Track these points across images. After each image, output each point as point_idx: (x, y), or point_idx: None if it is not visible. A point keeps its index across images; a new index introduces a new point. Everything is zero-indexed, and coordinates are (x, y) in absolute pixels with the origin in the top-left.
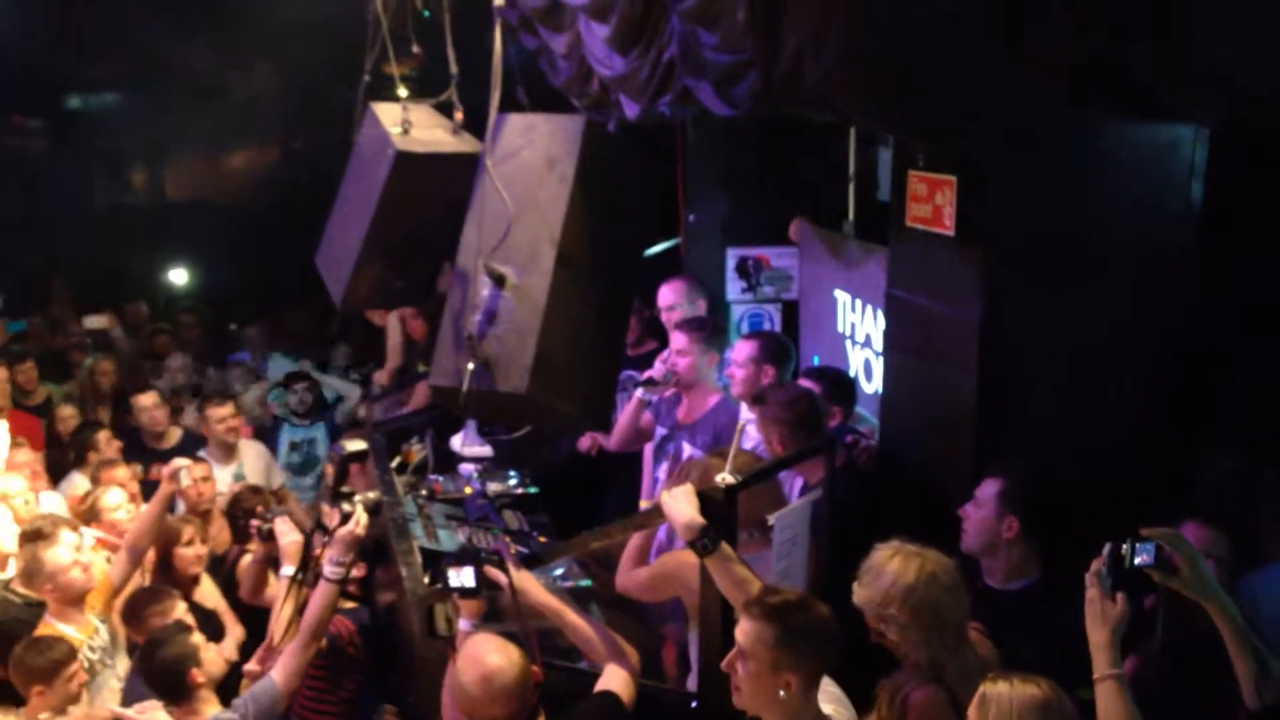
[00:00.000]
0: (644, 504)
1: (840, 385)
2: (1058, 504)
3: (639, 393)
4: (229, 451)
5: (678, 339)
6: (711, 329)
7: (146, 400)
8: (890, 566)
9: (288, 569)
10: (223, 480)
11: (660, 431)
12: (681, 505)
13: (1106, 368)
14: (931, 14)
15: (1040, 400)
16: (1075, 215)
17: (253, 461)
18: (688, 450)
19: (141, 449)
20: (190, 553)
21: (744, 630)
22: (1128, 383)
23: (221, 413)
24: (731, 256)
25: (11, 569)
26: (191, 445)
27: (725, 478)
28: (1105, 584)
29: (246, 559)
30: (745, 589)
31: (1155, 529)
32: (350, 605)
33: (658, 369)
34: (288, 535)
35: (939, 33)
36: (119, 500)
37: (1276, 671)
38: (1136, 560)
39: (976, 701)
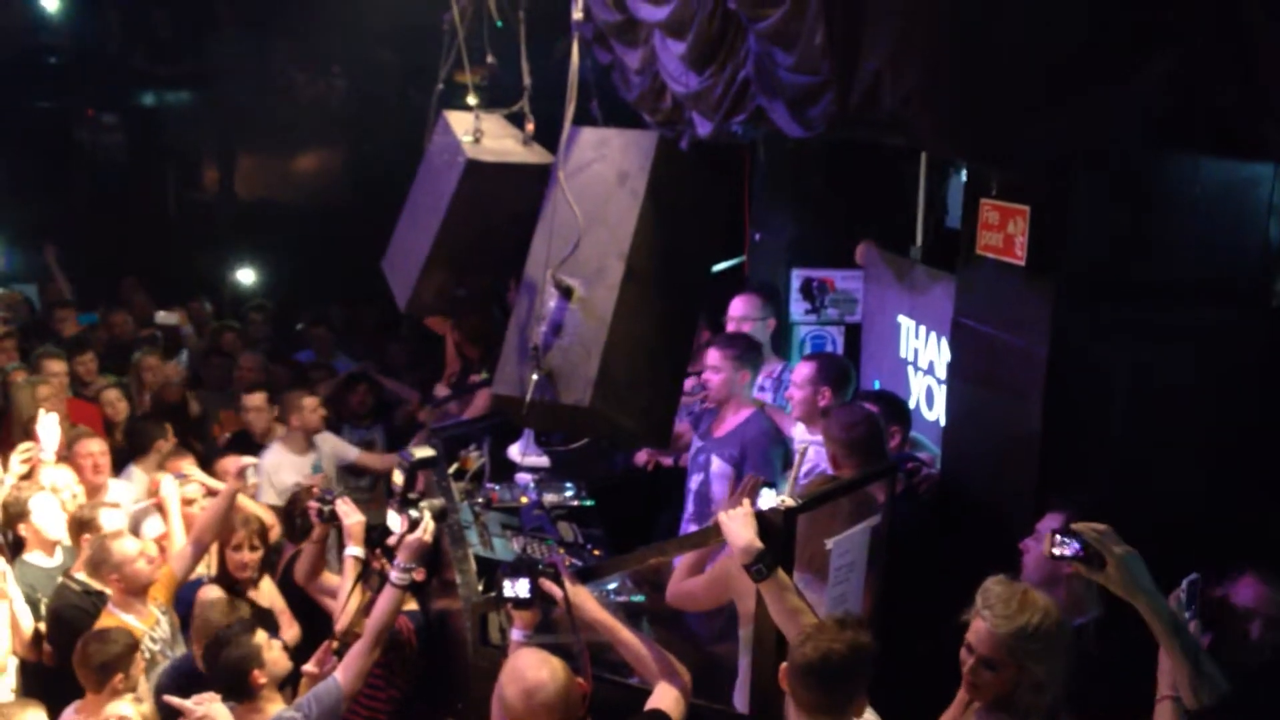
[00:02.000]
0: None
1: (897, 407)
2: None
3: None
4: (308, 442)
5: (711, 355)
6: (745, 347)
7: (256, 400)
8: (1022, 609)
9: (352, 549)
10: (300, 470)
11: (696, 443)
12: (739, 527)
13: (1175, 407)
14: (1015, 44)
15: (1106, 436)
16: (1149, 251)
17: (329, 455)
18: (716, 464)
19: (251, 448)
20: (238, 557)
21: None
22: (1197, 425)
23: (311, 402)
24: (796, 278)
25: (59, 557)
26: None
27: (785, 500)
28: (1183, 613)
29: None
30: (796, 619)
31: (1084, 524)
32: (410, 607)
33: (689, 382)
34: (351, 515)
35: (1022, 63)
36: (194, 492)
37: (1211, 671)
38: (1057, 551)
39: None
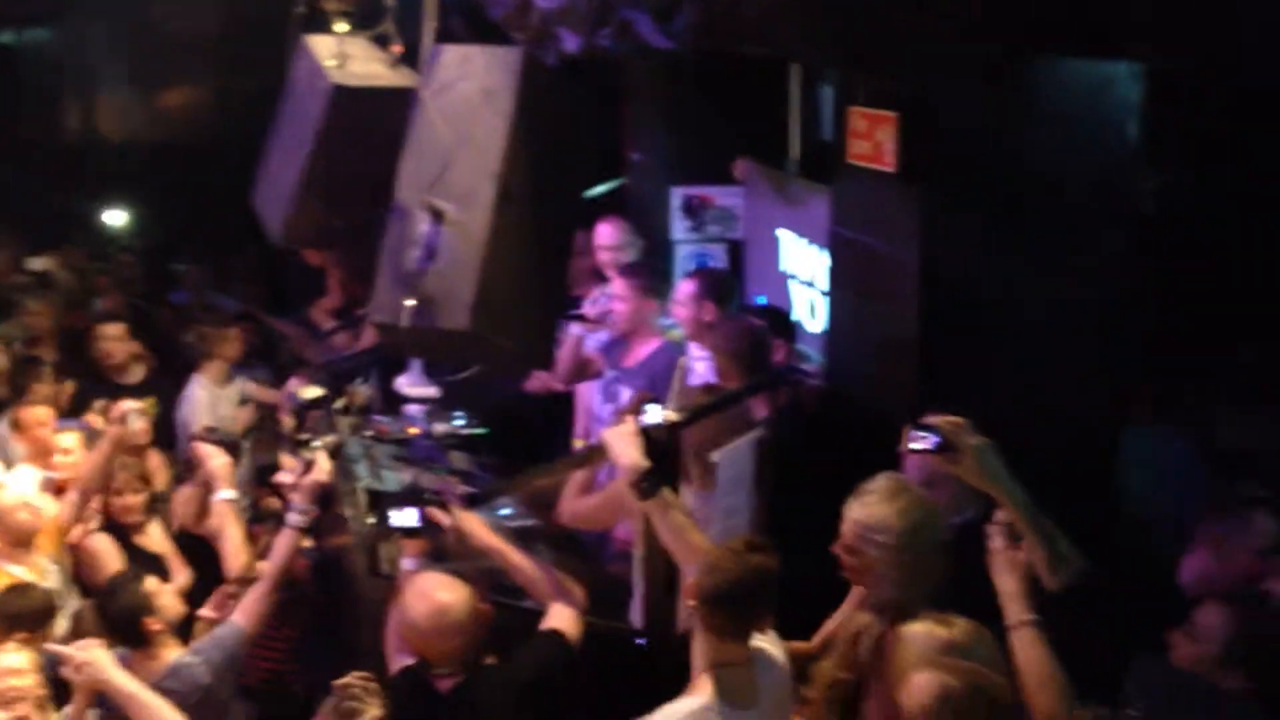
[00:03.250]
0: (578, 443)
1: (781, 320)
2: (1000, 443)
3: (573, 328)
4: (230, 374)
5: (616, 285)
6: (650, 275)
7: (115, 330)
8: (889, 502)
9: (225, 492)
10: (231, 401)
11: (609, 374)
12: (624, 445)
13: (1047, 305)
14: None
15: (984, 338)
16: (1015, 152)
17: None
18: (625, 394)
19: (106, 385)
20: (120, 502)
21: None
22: (1068, 320)
23: (233, 332)
24: (676, 196)
25: None
26: (155, 382)
27: (667, 415)
28: (1009, 532)
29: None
30: (682, 536)
31: (939, 417)
32: (303, 544)
33: (589, 308)
34: (214, 457)
35: None
36: (71, 443)
37: (1067, 551)
38: (915, 445)
39: (896, 640)
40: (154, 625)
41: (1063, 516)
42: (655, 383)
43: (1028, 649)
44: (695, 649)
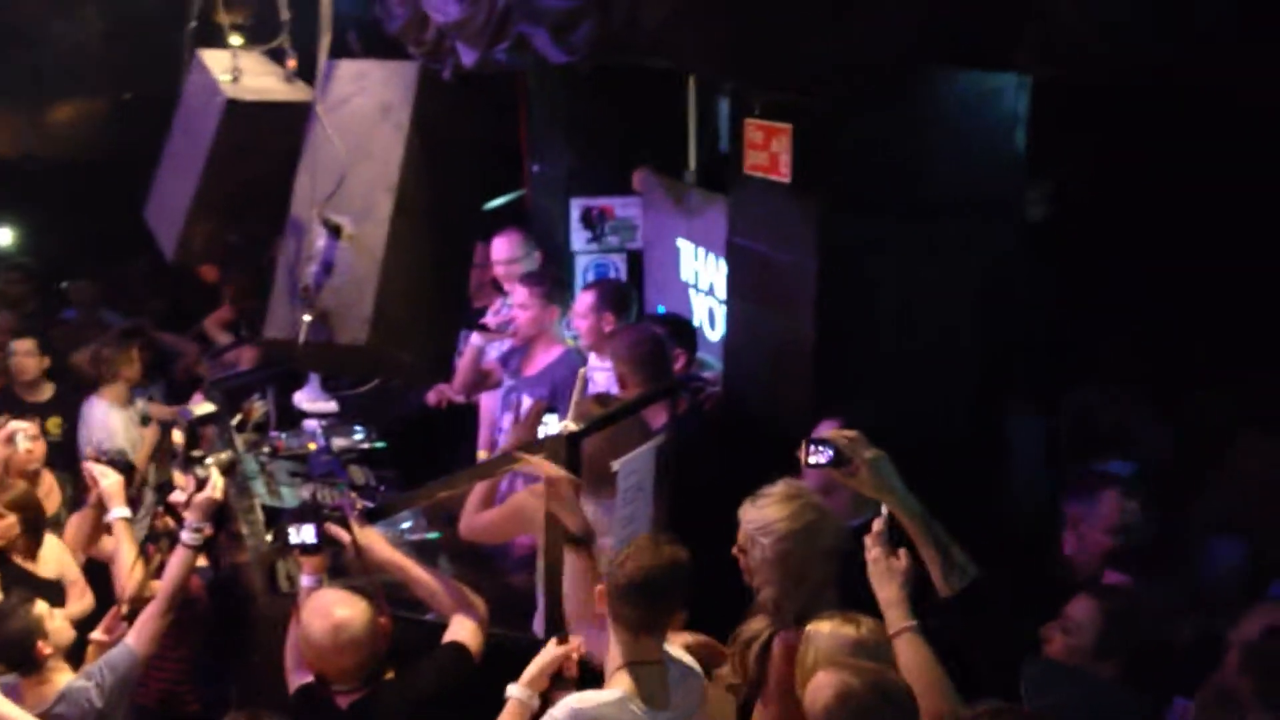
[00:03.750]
0: (481, 454)
1: (682, 329)
2: (896, 450)
3: (474, 338)
4: (130, 394)
5: (519, 293)
6: (553, 283)
7: (26, 344)
8: (782, 505)
9: (117, 510)
10: (134, 421)
11: (507, 382)
12: (570, 503)
13: (940, 312)
14: None
15: (878, 345)
16: (906, 163)
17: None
18: (527, 402)
19: (12, 401)
20: None
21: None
22: (962, 327)
23: (131, 354)
24: (576, 207)
25: None
26: (65, 400)
27: (567, 425)
28: (886, 541)
29: None
30: (583, 595)
31: (833, 432)
32: (199, 563)
33: (492, 318)
34: (106, 477)
35: None
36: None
37: (959, 559)
38: (812, 460)
39: (802, 640)
40: (44, 650)
41: (956, 519)
42: (557, 390)
43: (911, 654)
44: (609, 649)
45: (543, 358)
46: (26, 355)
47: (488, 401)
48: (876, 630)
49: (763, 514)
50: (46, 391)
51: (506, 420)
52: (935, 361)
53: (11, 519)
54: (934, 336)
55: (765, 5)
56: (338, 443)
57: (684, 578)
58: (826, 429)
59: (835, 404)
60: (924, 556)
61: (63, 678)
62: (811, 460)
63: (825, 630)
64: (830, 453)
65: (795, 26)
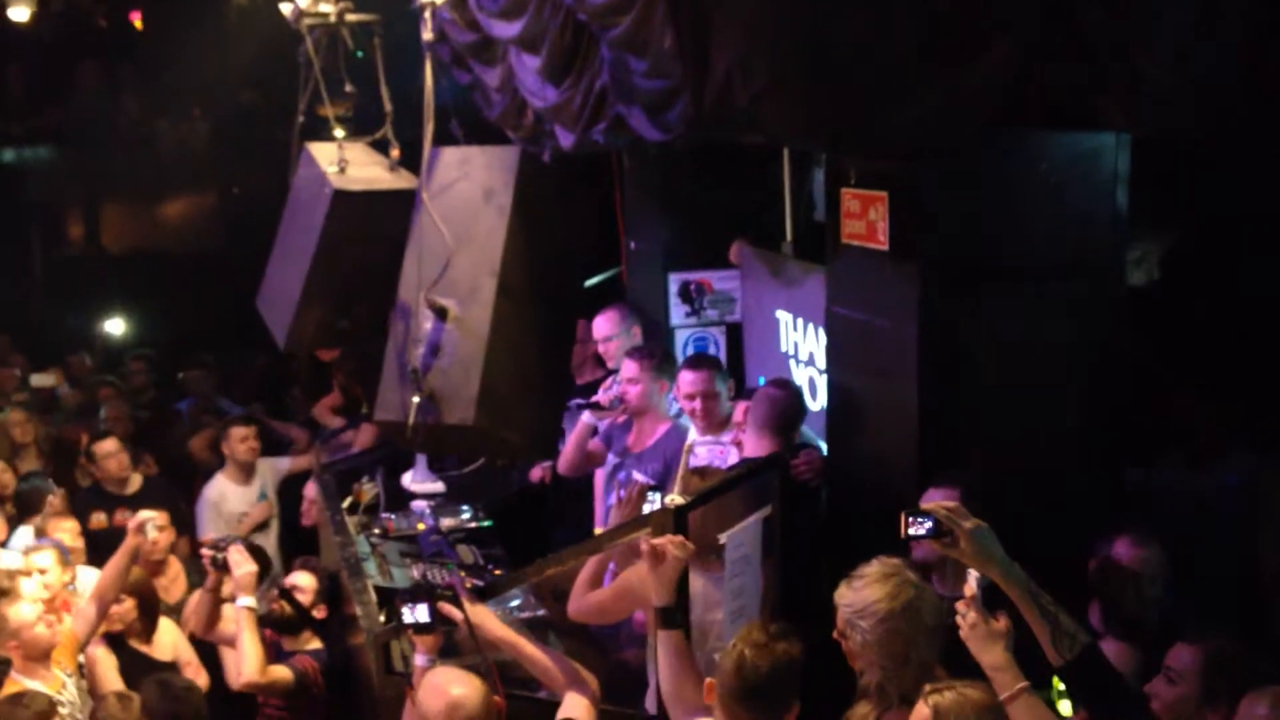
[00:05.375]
0: (597, 532)
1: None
2: (1005, 515)
3: (585, 416)
4: (249, 472)
5: (628, 367)
6: (662, 357)
7: (109, 446)
8: (879, 585)
9: (244, 599)
10: (246, 501)
11: (611, 459)
12: (665, 572)
13: (1043, 376)
14: (856, 36)
15: (983, 411)
16: (1004, 226)
17: (271, 480)
18: (638, 479)
19: (103, 496)
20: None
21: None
22: (1068, 391)
23: (244, 432)
24: (674, 281)
25: None
26: (153, 492)
27: (673, 499)
28: (982, 605)
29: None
30: (683, 679)
31: (933, 503)
32: (314, 646)
33: (603, 395)
34: (242, 565)
35: (866, 57)
36: (49, 562)
37: (1068, 625)
38: (911, 531)
39: (929, 714)
40: None
41: (1068, 583)
42: (669, 465)
43: (1031, 715)
44: None
45: (651, 433)
46: (108, 457)
47: (601, 479)
48: (990, 688)
49: (860, 596)
50: (135, 484)
51: (614, 498)
52: (1039, 425)
53: (129, 603)
54: (1037, 400)
55: (856, 75)
56: (446, 522)
57: (798, 673)
58: (935, 497)
59: (940, 470)
60: (1032, 626)
61: None
62: (911, 532)
63: (952, 699)
64: (930, 524)
65: (887, 94)
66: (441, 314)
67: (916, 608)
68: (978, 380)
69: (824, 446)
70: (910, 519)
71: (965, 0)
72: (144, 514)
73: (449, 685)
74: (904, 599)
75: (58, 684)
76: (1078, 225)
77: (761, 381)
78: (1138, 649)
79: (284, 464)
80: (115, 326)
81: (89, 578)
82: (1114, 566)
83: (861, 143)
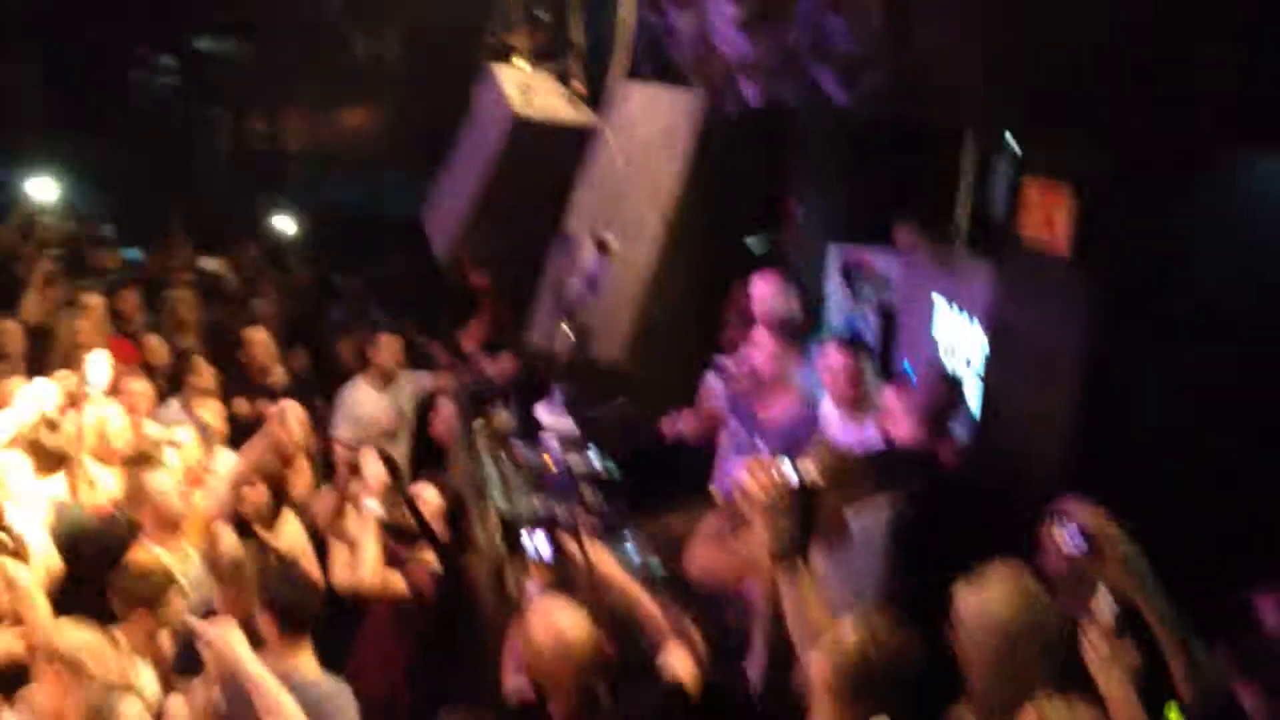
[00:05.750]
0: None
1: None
2: (1154, 544)
3: (710, 379)
4: (389, 381)
5: (759, 335)
6: (796, 329)
7: (257, 334)
8: (1003, 594)
9: (371, 503)
10: (380, 407)
11: (735, 425)
12: (772, 504)
13: (1214, 414)
14: (1080, 33)
15: (1139, 443)
16: (1198, 247)
17: (409, 394)
18: (763, 450)
19: (248, 385)
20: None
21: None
22: (1234, 429)
23: (391, 340)
24: (835, 254)
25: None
26: (294, 386)
27: (810, 473)
28: (1113, 634)
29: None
30: (803, 610)
31: (1090, 519)
32: (430, 559)
33: (732, 360)
34: (374, 468)
35: (1084, 54)
36: (189, 438)
37: (1206, 666)
38: (1064, 546)
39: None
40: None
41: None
42: (793, 442)
43: None
44: None
45: (778, 405)
46: (255, 344)
47: (724, 440)
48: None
49: (980, 601)
50: (279, 377)
51: (738, 465)
52: (1207, 466)
53: (261, 488)
54: (1203, 446)
55: (1068, 64)
56: (574, 460)
57: (908, 676)
58: (1074, 513)
59: (1088, 490)
60: (1169, 658)
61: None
62: (1063, 546)
63: (1063, 711)
64: (1084, 542)
65: (1099, 89)
66: (604, 248)
67: (1039, 625)
68: (1142, 406)
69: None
70: (1064, 532)
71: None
72: (286, 404)
73: (558, 614)
74: (1029, 615)
75: (184, 556)
76: (1270, 253)
77: (907, 367)
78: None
79: (426, 379)
80: (284, 223)
81: (227, 460)
82: (1256, 624)
83: (1064, 137)
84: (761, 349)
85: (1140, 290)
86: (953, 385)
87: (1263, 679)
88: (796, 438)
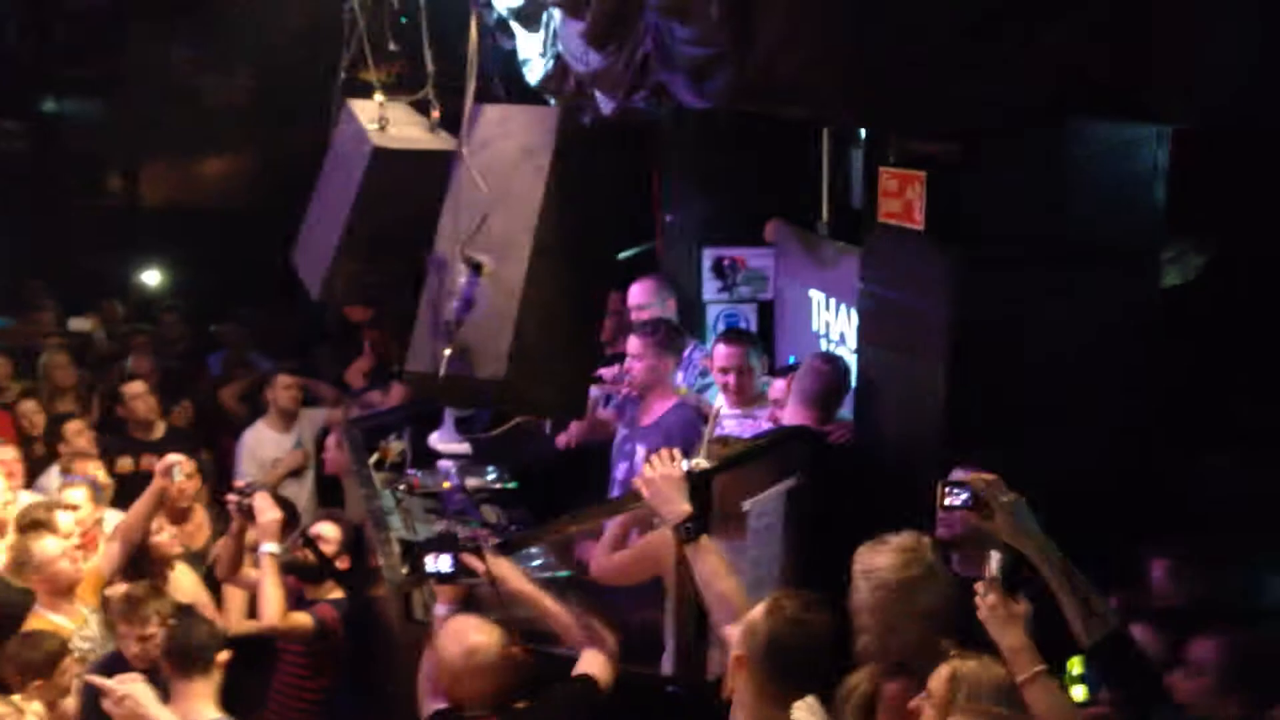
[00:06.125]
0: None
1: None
2: (1029, 499)
3: (593, 389)
4: (290, 420)
5: (632, 343)
6: (667, 333)
7: (136, 388)
8: (892, 554)
9: (268, 546)
10: (281, 449)
11: (622, 431)
12: (668, 491)
13: (1074, 363)
14: (906, 12)
15: (1012, 395)
16: (1040, 211)
17: (310, 431)
18: (640, 453)
19: (128, 441)
20: (165, 539)
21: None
22: (1099, 381)
23: (288, 380)
24: (708, 257)
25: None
26: (176, 439)
27: (699, 463)
28: (1002, 586)
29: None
30: (715, 584)
31: (973, 475)
32: (335, 595)
33: (606, 370)
34: (266, 512)
35: (918, 35)
36: (81, 498)
37: (1100, 608)
38: (948, 502)
39: (945, 678)
40: (221, 659)
41: (1091, 573)
42: (670, 440)
43: (1048, 698)
44: (735, 709)
45: (658, 408)
46: (136, 398)
47: (614, 447)
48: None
49: (872, 558)
50: (159, 431)
51: (620, 470)
52: (1069, 413)
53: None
54: (1068, 388)
55: (902, 52)
56: (471, 482)
57: (826, 651)
58: (958, 476)
59: (966, 452)
60: (1063, 605)
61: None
62: (948, 503)
63: (974, 669)
64: (967, 496)
65: (932, 73)
66: (477, 268)
67: (914, 587)
68: (1008, 364)
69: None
70: (948, 490)
71: None
72: (172, 458)
73: (469, 632)
74: (907, 574)
75: (80, 619)
76: (1115, 215)
77: (792, 360)
78: (1163, 636)
79: (323, 415)
80: (150, 278)
81: (114, 519)
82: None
83: (905, 122)
84: (638, 357)
85: (990, 256)
86: (837, 368)
87: (1154, 622)
88: (674, 436)
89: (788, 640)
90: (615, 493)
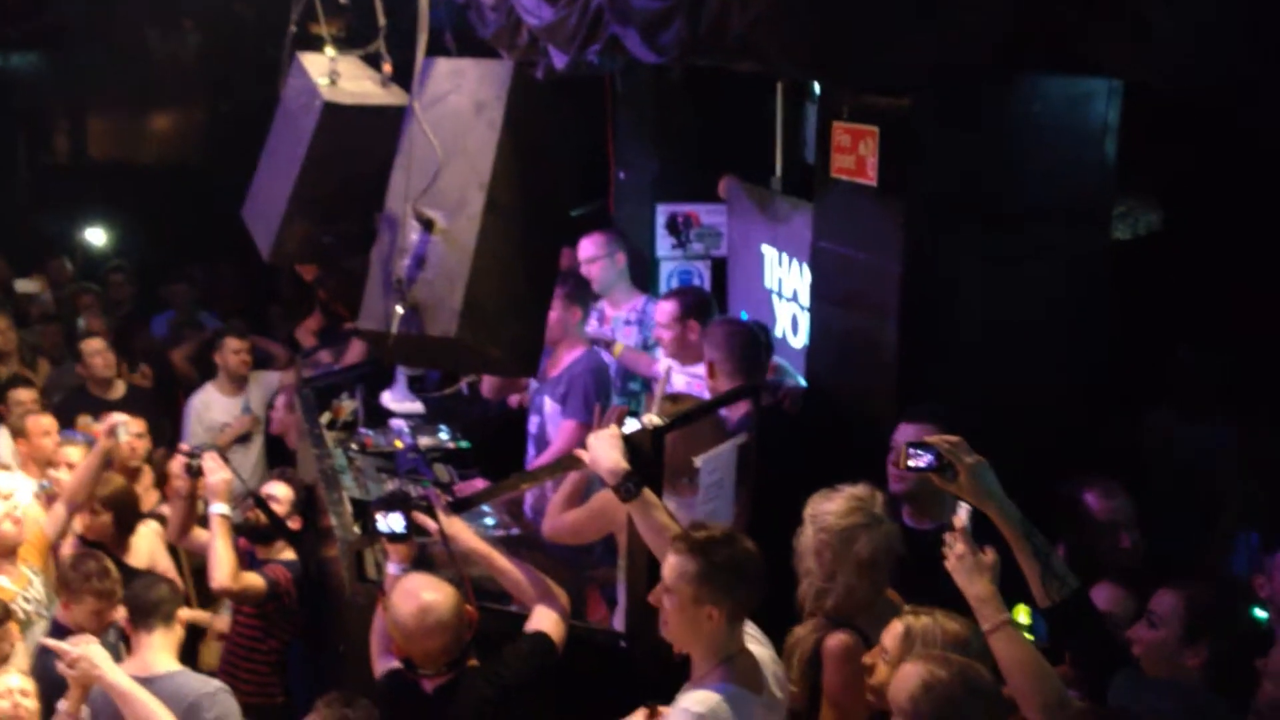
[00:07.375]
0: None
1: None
2: (979, 452)
3: None
4: (239, 384)
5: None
6: (574, 284)
7: (95, 344)
8: (841, 501)
9: (218, 506)
10: (230, 413)
11: (533, 385)
12: (605, 449)
13: (1025, 318)
14: None
15: (961, 349)
16: (994, 168)
17: (259, 396)
18: (548, 405)
19: (87, 399)
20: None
21: (669, 564)
22: (1049, 335)
23: (237, 344)
24: (661, 213)
25: None
26: (138, 399)
27: (651, 419)
28: (970, 538)
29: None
30: (664, 535)
31: (937, 436)
32: (287, 556)
33: None
34: (216, 472)
35: None
36: (77, 455)
37: (1059, 568)
38: (912, 463)
39: (899, 634)
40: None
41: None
42: (573, 388)
43: (1012, 648)
44: (702, 644)
45: (565, 358)
46: (96, 354)
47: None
48: (973, 626)
49: (822, 503)
50: (119, 390)
51: (533, 424)
52: (1018, 367)
53: (106, 517)
54: (1018, 342)
55: (854, 6)
56: (423, 441)
57: (762, 568)
58: (907, 431)
59: (915, 399)
60: (1023, 565)
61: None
62: (911, 464)
63: (928, 624)
64: (930, 457)
65: (884, 27)
66: (428, 225)
67: (854, 536)
68: (959, 318)
69: (804, 383)
70: (911, 451)
71: None
72: (117, 417)
73: (421, 590)
74: (849, 521)
75: (24, 581)
76: (1066, 171)
77: (744, 315)
78: (1129, 593)
79: (274, 378)
80: (96, 236)
81: (26, 485)
82: (1087, 516)
83: (857, 75)
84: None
85: (942, 211)
86: (746, 329)
87: (1116, 578)
88: (574, 384)
89: (726, 558)
90: (529, 446)
